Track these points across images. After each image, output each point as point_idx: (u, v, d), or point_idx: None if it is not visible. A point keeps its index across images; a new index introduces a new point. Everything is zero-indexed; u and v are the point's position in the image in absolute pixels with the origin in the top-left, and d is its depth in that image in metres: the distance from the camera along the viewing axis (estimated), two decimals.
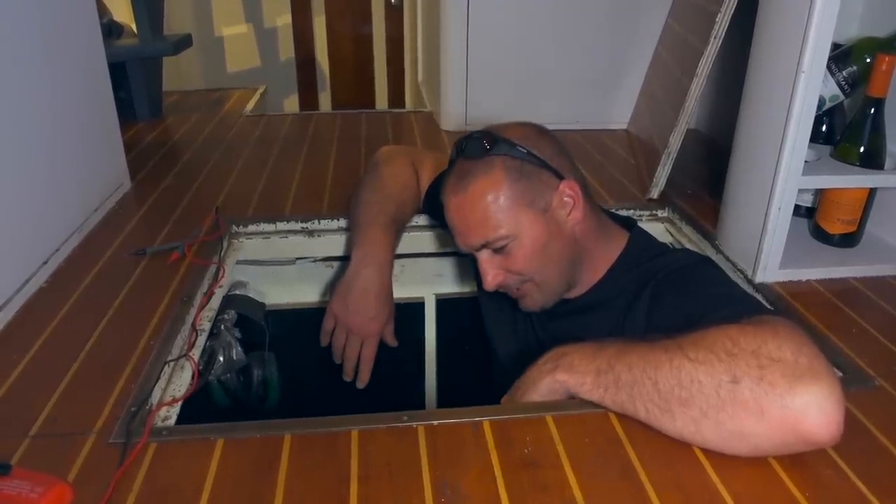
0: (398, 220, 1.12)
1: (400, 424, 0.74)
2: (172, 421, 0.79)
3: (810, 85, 0.95)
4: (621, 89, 1.91)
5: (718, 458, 0.68)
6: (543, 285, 0.93)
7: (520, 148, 0.91)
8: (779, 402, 0.61)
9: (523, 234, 0.89)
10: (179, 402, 0.83)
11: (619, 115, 1.94)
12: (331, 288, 1.43)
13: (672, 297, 0.84)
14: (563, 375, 0.75)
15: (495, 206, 0.89)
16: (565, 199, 0.92)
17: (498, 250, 0.91)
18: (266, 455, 0.70)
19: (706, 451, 0.68)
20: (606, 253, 0.97)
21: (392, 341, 1.10)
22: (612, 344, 0.74)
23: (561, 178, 0.92)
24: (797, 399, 0.60)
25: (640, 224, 1.03)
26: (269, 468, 0.68)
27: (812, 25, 0.92)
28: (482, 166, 0.90)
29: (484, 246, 0.91)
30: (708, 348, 0.66)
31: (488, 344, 1.19)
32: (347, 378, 1.09)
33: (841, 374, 0.86)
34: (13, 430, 0.75)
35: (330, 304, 1.08)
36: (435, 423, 0.74)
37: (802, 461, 0.68)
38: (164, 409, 0.80)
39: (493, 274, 0.92)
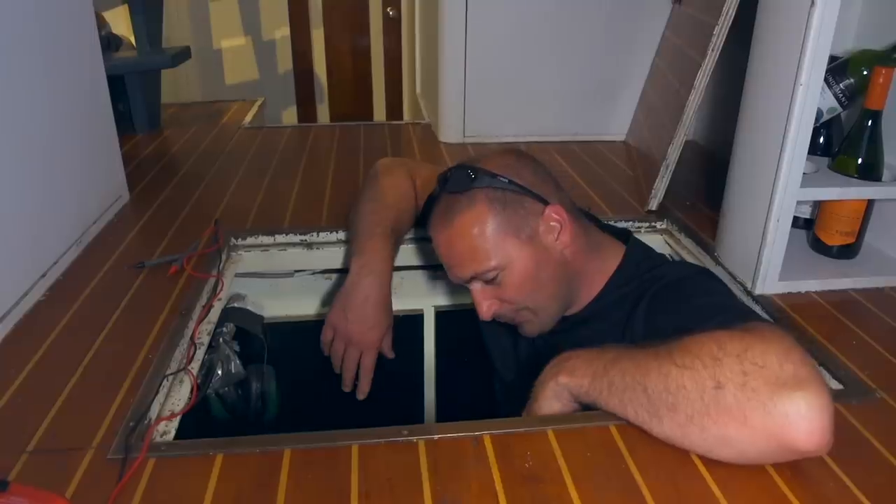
0: (397, 230, 1.12)
1: (400, 439, 0.74)
2: (171, 436, 0.79)
3: (809, 97, 0.95)
4: (619, 101, 1.92)
5: (721, 472, 0.67)
6: (539, 311, 0.94)
7: (501, 178, 0.91)
8: (761, 408, 0.61)
9: (512, 263, 0.90)
10: (178, 417, 0.82)
11: (616, 126, 1.94)
12: (330, 301, 1.42)
13: (667, 309, 0.84)
14: (565, 378, 0.77)
15: (481, 239, 0.90)
16: (552, 223, 0.92)
17: (489, 281, 0.92)
18: (266, 470, 0.70)
19: (708, 465, 0.68)
20: (602, 268, 0.97)
21: (390, 353, 1.09)
22: (611, 349, 0.75)
23: (545, 203, 0.92)
24: (779, 406, 0.60)
25: (638, 236, 1.03)
26: (268, 484, 0.68)
27: (810, 37, 0.92)
28: (465, 200, 0.91)
29: (474, 278, 0.93)
30: (695, 354, 0.66)
31: (488, 357, 1.18)
32: (346, 389, 1.08)
33: (842, 386, 0.86)
34: (10, 445, 0.74)
35: (329, 314, 1.07)
36: (435, 437, 0.74)
37: (805, 474, 0.68)
38: (163, 423, 0.80)
39: (487, 304, 0.94)
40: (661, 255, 1.03)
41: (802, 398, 0.60)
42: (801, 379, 0.61)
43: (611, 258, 0.98)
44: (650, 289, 0.88)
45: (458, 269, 0.93)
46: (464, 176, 0.92)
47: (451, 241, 0.92)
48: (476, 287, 0.94)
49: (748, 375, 0.62)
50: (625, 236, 1.02)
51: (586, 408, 0.79)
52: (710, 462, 0.68)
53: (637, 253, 0.99)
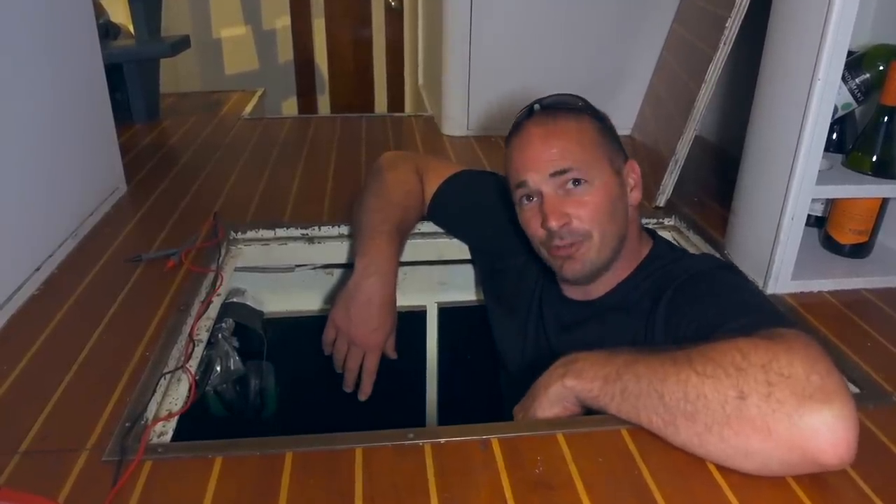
0: (402, 228, 1.10)
1: (406, 442, 0.72)
2: (168, 437, 0.76)
3: (826, 92, 0.93)
4: (624, 95, 1.89)
5: (737, 478, 0.65)
6: (602, 243, 0.90)
7: (602, 114, 0.96)
8: (786, 420, 0.59)
9: (600, 180, 0.90)
10: (176, 418, 0.80)
11: (622, 121, 1.91)
12: (332, 297, 1.40)
13: (689, 303, 0.82)
14: (572, 381, 0.74)
15: (583, 143, 0.90)
16: (630, 179, 0.94)
17: (571, 188, 0.89)
18: (266, 474, 0.68)
19: (724, 472, 0.66)
20: (635, 253, 0.96)
21: (392, 354, 1.08)
22: (624, 352, 0.73)
23: (626, 158, 0.95)
24: (805, 418, 0.59)
25: None
26: (269, 488, 0.66)
27: (829, 31, 0.90)
28: (571, 114, 0.92)
29: (562, 173, 0.88)
30: (716, 362, 0.64)
31: (492, 354, 1.16)
32: (348, 389, 1.07)
33: (858, 389, 0.84)
34: (2, 445, 0.72)
35: (331, 313, 1.05)
36: (442, 440, 0.72)
37: (824, 482, 0.66)
38: (160, 424, 0.77)
39: (559, 213, 0.89)
40: (684, 250, 1.02)
41: (830, 410, 0.58)
42: (828, 390, 0.60)
43: (643, 247, 0.97)
44: (674, 282, 0.86)
45: (550, 159, 0.89)
46: (570, 99, 0.95)
47: (552, 133, 0.90)
48: (549, 191, 0.89)
49: (773, 386, 0.60)
50: (652, 234, 1.02)
51: (588, 412, 0.77)
52: (725, 468, 0.66)
53: (663, 247, 0.99)
